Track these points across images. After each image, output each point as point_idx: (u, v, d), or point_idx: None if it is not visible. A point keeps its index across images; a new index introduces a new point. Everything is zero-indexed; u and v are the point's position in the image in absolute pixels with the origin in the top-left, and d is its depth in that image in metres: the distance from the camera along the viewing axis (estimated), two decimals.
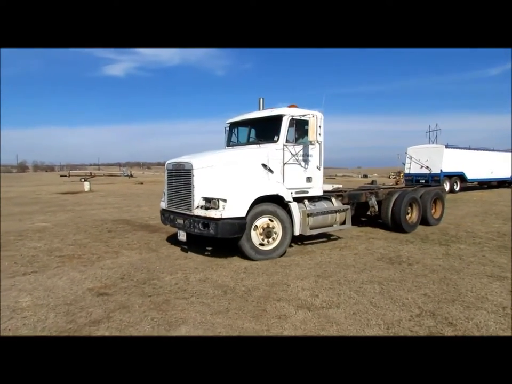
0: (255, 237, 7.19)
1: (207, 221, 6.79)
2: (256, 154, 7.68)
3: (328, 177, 53.98)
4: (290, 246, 8.02)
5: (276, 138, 7.81)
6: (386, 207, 10.14)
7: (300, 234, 7.80)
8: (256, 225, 7.17)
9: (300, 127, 8.01)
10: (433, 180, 23.20)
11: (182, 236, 7.42)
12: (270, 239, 7.31)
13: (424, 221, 11.00)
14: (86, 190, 27.49)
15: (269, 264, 6.89)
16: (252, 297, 5.21)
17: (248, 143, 8.66)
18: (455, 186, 24.84)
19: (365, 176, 62.29)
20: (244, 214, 6.85)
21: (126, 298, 5.19)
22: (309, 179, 8.21)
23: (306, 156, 8.10)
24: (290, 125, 7.84)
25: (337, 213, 8.70)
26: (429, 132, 47.56)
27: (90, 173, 55.52)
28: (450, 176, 24.37)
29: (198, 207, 7.03)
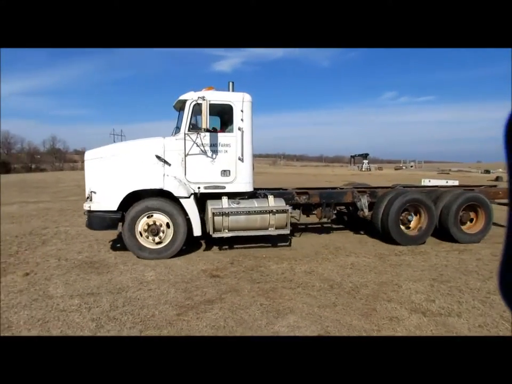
0: (140, 233, 6.63)
1: (87, 214, 6.66)
2: (150, 145, 6.91)
3: (440, 172, 49.43)
4: (397, 244, 7.56)
5: (179, 125, 7.02)
6: (377, 211, 7.92)
7: (209, 234, 6.85)
8: (141, 221, 6.61)
9: (214, 112, 7.24)
10: None
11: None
12: (157, 238, 6.63)
13: (446, 233, 8.10)
14: None
15: (377, 262, 6.58)
16: (359, 294, 5.04)
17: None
18: None
19: (487, 171, 55.13)
20: (114, 208, 6.49)
21: (236, 282, 5.46)
22: (225, 172, 6.97)
23: (221, 146, 6.94)
24: (196, 111, 6.78)
25: (270, 214, 7.07)
26: None
27: None
28: None
29: (87, 199, 6.74)
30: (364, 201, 8.03)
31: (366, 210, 7.99)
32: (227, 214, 6.81)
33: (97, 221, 6.55)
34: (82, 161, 7.77)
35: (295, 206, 7.90)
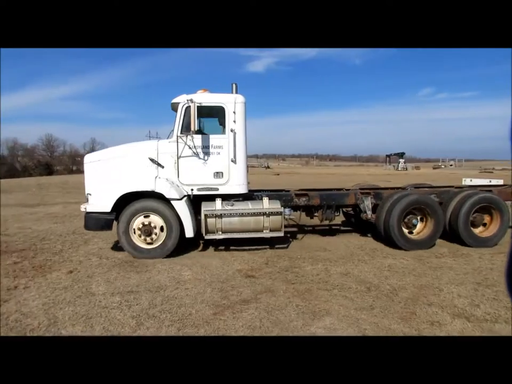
0: (134, 233, 6.74)
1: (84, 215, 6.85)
2: (144, 148, 7.04)
3: (483, 171, 47.23)
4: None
5: (173, 128, 6.99)
6: (380, 213, 7.55)
7: (204, 236, 6.88)
8: (135, 222, 6.72)
9: (210, 114, 7.31)
10: None
11: None
12: (149, 238, 6.72)
13: (456, 237, 7.66)
14: None
15: (416, 264, 6.37)
16: (398, 297, 4.90)
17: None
18: None
19: None
20: (108, 209, 6.64)
21: (271, 283, 5.46)
22: (218, 174, 6.96)
23: (213, 148, 6.94)
24: (188, 114, 6.75)
25: (264, 216, 6.97)
26: None
27: None
28: None
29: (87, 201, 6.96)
30: (367, 203, 7.76)
31: (369, 213, 7.72)
32: (220, 216, 6.84)
33: (93, 221, 6.76)
34: None
35: (295, 208, 7.80)
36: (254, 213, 6.96)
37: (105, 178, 6.83)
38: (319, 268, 6.16)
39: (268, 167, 61.11)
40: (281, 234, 7.14)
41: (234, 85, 7.39)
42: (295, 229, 9.18)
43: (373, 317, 4.31)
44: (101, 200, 6.73)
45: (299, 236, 8.74)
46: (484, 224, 7.84)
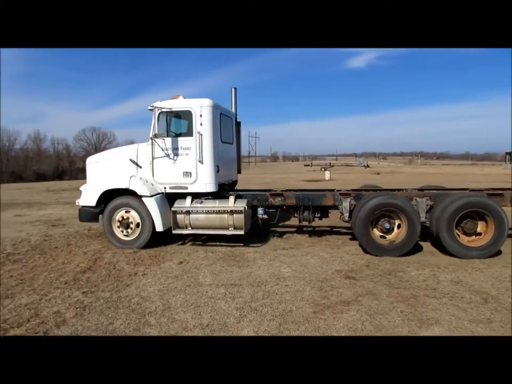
0: (116, 226, 7.63)
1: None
2: (127, 150, 7.95)
3: None
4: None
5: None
6: (353, 215, 7.11)
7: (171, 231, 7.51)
8: (117, 216, 7.61)
9: (177, 119, 7.81)
10: None
11: None
12: (126, 231, 7.58)
13: (439, 245, 6.76)
14: (327, 178, 29.58)
15: None
16: None
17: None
18: None
19: None
20: (93, 204, 7.67)
21: (373, 285, 5.26)
22: (187, 174, 7.44)
23: (182, 150, 7.42)
24: (161, 119, 7.47)
25: (228, 214, 7.27)
26: None
27: (330, 162, 59.40)
28: None
29: None
30: (345, 204, 7.39)
31: (346, 215, 7.36)
32: (188, 213, 7.40)
33: (83, 214, 7.90)
34: None
35: (271, 208, 8.05)
36: (219, 210, 7.38)
37: (95, 177, 8.01)
38: (426, 274, 5.75)
39: (368, 166, 58.64)
40: (242, 232, 7.34)
41: (233, 89, 8.45)
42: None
43: (491, 331, 3.89)
44: (88, 196, 7.82)
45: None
46: (480, 234, 6.81)
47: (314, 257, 6.70)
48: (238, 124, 9.23)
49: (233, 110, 9.04)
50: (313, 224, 8.34)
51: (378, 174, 40.12)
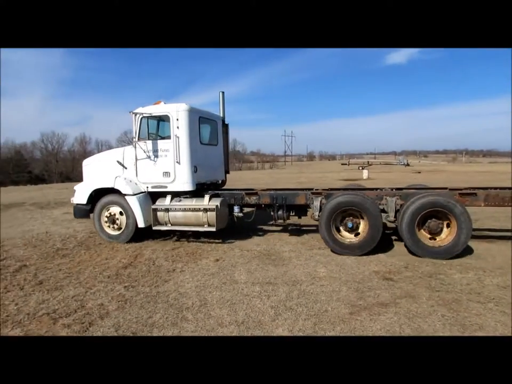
0: (104, 222, 8.29)
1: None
2: (115, 153, 8.62)
3: None
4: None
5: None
6: (322, 213, 7.10)
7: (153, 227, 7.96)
8: (105, 212, 8.27)
9: (157, 123, 8.28)
10: None
11: None
12: (113, 227, 8.22)
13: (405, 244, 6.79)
14: (365, 177, 28.94)
15: None
16: None
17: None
18: None
19: None
20: (84, 202, 8.39)
21: (412, 288, 5.11)
22: (166, 174, 7.95)
23: (162, 151, 7.95)
24: (143, 123, 8.01)
25: (202, 212, 7.72)
26: None
27: (368, 161, 58.05)
28: None
29: None
30: (316, 203, 7.40)
31: (316, 213, 7.34)
32: (167, 210, 7.88)
33: (77, 211, 8.62)
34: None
35: (248, 206, 8.40)
36: (195, 208, 7.81)
37: (88, 177, 8.74)
38: (470, 277, 5.50)
39: (408, 165, 56.70)
40: (213, 229, 7.70)
41: (221, 93, 9.23)
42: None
43: None
44: (80, 194, 8.50)
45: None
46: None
47: (350, 258, 6.59)
48: (226, 126, 9.60)
49: (221, 113, 9.44)
50: None
51: (419, 172, 38.68)
